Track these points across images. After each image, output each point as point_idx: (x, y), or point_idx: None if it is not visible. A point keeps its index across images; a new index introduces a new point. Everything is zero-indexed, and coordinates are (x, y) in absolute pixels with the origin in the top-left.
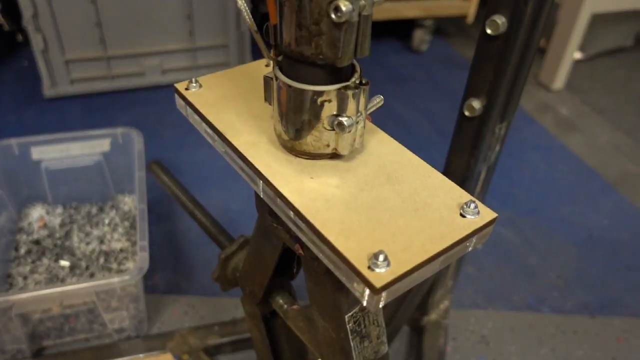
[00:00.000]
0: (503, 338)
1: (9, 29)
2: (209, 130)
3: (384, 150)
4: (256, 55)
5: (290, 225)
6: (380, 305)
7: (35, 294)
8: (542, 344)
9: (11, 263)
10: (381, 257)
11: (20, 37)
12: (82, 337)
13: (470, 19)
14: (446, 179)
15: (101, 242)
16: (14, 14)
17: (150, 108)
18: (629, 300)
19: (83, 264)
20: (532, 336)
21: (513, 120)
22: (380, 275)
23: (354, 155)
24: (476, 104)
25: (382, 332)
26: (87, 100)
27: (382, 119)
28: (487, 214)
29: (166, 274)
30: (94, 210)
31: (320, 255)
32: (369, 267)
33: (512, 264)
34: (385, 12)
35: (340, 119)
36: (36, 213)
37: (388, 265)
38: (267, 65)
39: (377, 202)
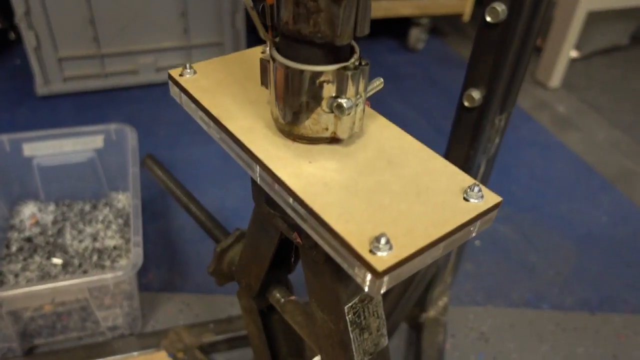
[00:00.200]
0: (503, 335)
1: (1, 26)
2: (203, 116)
3: (384, 135)
4: None
5: (289, 211)
6: (382, 291)
7: (26, 290)
8: (542, 341)
9: (2, 261)
10: (383, 240)
11: (12, 35)
12: (74, 335)
13: (466, 17)
14: (448, 163)
15: (94, 239)
16: (6, 12)
17: (144, 106)
18: (628, 297)
19: (76, 261)
20: (532, 333)
21: (510, 118)
22: (382, 258)
23: (353, 140)
24: (476, 94)
25: (382, 324)
26: (80, 99)
27: None
28: (491, 198)
29: (160, 272)
30: (87, 207)
31: (320, 241)
32: (370, 251)
33: (511, 261)
34: (381, 10)
35: (339, 100)
36: (28, 210)
37: (390, 248)
38: (263, 52)
39: (378, 187)
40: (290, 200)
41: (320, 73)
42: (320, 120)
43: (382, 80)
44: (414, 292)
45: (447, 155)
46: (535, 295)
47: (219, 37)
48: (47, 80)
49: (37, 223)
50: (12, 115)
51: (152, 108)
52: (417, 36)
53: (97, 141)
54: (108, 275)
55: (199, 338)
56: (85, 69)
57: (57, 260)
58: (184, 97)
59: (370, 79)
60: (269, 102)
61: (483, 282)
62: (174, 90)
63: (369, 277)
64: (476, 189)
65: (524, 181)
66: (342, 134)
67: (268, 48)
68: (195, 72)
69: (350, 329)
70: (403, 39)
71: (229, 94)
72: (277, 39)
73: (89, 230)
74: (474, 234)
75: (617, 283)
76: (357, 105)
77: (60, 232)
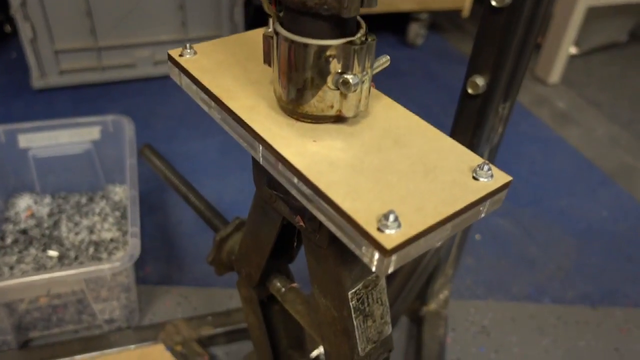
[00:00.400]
0: (504, 329)
1: None
2: (204, 96)
3: (390, 115)
4: None
5: (293, 191)
6: (390, 271)
7: (20, 281)
8: (543, 335)
9: None
10: (391, 218)
11: (8, 28)
12: (70, 328)
13: (466, 12)
14: (456, 143)
15: (91, 232)
16: (1, 3)
17: (141, 100)
18: (629, 291)
19: (72, 254)
20: (533, 327)
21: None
22: (391, 236)
23: (358, 120)
24: (480, 80)
25: (385, 312)
26: (76, 92)
27: None
28: (501, 177)
29: (158, 265)
30: (84, 200)
31: (325, 221)
32: (378, 229)
33: (511, 255)
34: (380, 5)
35: (345, 76)
36: (23, 203)
37: (399, 226)
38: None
39: (385, 165)
40: (295, 179)
41: (325, 47)
42: (325, 98)
43: (388, 57)
44: (416, 283)
45: None
46: (536, 289)
47: (217, 31)
48: (44, 73)
49: (32, 215)
50: (7, 108)
51: (149, 102)
52: (416, 31)
53: (94, 132)
54: (105, 266)
55: (197, 331)
56: (82, 61)
57: (52, 253)
58: (183, 77)
59: None
60: (271, 81)
61: (484, 276)
62: (173, 72)
63: (376, 256)
64: (486, 167)
65: (524, 176)
66: (348, 112)
67: (271, 25)
68: (195, 53)
69: (353, 315)
70: (402, 35)
71: (231, 74)
72: (281, 14)
73: (85, 222)
74: (482, 215)
75: (618, 277)
76: (363, 82)
77: (56, 225)
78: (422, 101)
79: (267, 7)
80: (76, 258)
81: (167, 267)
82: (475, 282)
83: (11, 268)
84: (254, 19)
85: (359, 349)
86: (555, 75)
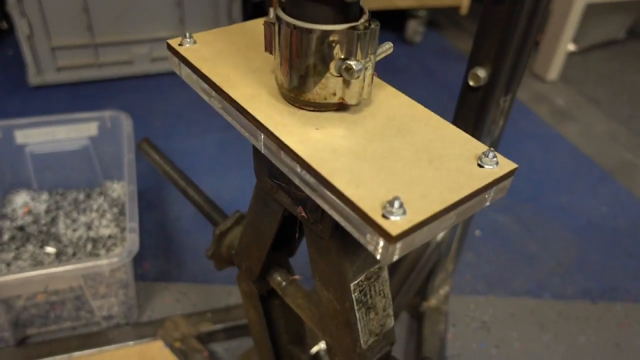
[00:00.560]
0: (504, 324)
1: None
2: (204, 86)
3: (393, 103)
4: None
5: (296, 180)
6: (394, 259)
7: (18, 277)
8: (544, 330)
9: None
10: (396, 204)
11: (5, 25)
12: (68, 325)
13: (464, 10)
14: (461, 131)
15: (89, 228)
16: None
17: (139, 97)
18: (630, 286)
19: (70, 250)
20: (534, 322)
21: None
22: (396, 223)
23: (361, 108)
24: (481, 72)
25: (388, 304)
26: (73, 89)
27: None
28: (507, 165)
29: (156, 262)
30: (81, 196)
31: (328, 210)
32: (383, 216)
33: (511, 251)
34: (378, 2)
35: (348, 62)
36: (20, 199)
37: (404, 213)
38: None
39: (389, 153)
40: (297, 168)
41: (328, 32)
42: (327, 85)
43: (391, 44)
44: (417, 278)
45: None
46: (537, 284)
47: (215, 27)
48: (40, 69)
49: (29, 212)
50: (4, 106)
51: (147, 99)
52: (414, 29)
53: (92, 128)
54: (103, 262)
55: (197, 327)
56: (79, 58)
57: (50, 249)
58: (183, 67)
59: None
60: (273, 70)
61: (484, 271)
62: (172, 61)
63: (381, 243)
64: (491, 154)
65: (523, 172)
66: (351, 99)
67: (272, 13)
68: (195, 42)
69: (356, 307)
70: (401, 32)
71: (231, 63)
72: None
73: (83, 219)
74: (487, 203)
75: (618, 272)
76: (366, 68)
77: (53, 221)
78: (420, 98)
79: None
80: (74, 255)
81: (166, 264)
82: (475, 278)
83: (8, 265)
84: (252, 15)
85: (361, 341)
86: (553, 72)
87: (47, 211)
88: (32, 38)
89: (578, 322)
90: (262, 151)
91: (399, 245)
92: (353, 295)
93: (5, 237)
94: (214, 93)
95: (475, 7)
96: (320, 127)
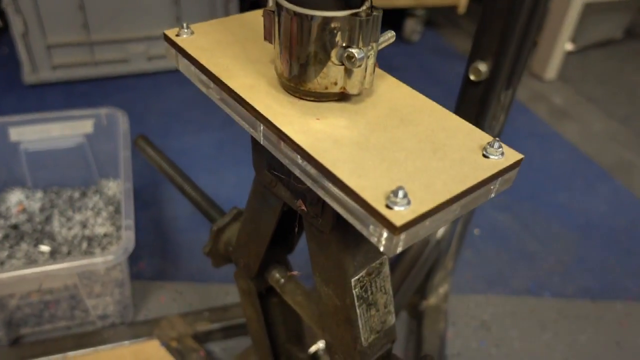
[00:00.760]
0: (504, 323)
1: None
2: (202, 77)
3: (395, 94)
4: None
5: (296, 171)
6: (398, 250)
7: (11, 275)
8: (544, 329)
9: None
10: (400, 194)
11: (0, 24)
12: (62, 324)
13: (462, 9)
14: (464, 121)
15: (84, 226)
16: None
17: (135, 96)
18: (629, 284)
19: (64, 249)
20: (534, 321)
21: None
22: (400, 213)
23: (362, 98)
24: (482, 66)
25: (389, 301)
26: (69, 87)
27: None
28: (512, 155)
29: (153, 260)
30: (77, 194)
31: (330, 201)
32: (386, 206)
33: (510, 250)
34: (376, 1)
35: (350, 50)
36: (15, 197)
37: (408, 203)
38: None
39: (392, 143)
40: (298, 158)
41: (330, 19)
42: (329, 74)
43: (393, 33)
44: (417, 276)
45: None
46: (536, 283)
47: None
48: (35, 67)
49: (24, 210)
50: None
51: (143, 97)
52: (412, 28)
53: (87, 126)
54: (98, 260)
55: (193, 326)
56: (75, 56)
57: (44, 248)
58: (180, 58)
59: None
60: (272, 60)
61: (483, 270)
62: (169, 53)
63: (385, 234)
64: (496, 144)
65: (522, 171)
66: (352, 88)
67: (271, 0)
68: (192, 33)
69: (356, 304)
70: (398, 31)
71: (229, 53)
72: None
73: (78, 217)
74: (493, 195)
75: (618, 271)
76: (368, 57)
77: (48, 220)
78: None
79: None
80: (69, 253)
81: (162, 263)
82: (474, 277)
83: (2, 263)
84: None
85: (362, 338)
86: (551, 71)
87: (42, 209)
88: (27, 36)
89: (578, 321)
90: (262, 142)
91: (403, 236)
92: (354, 291)
93: None
94: (212, 84)
95: (473, 6)
96: (321, 117)
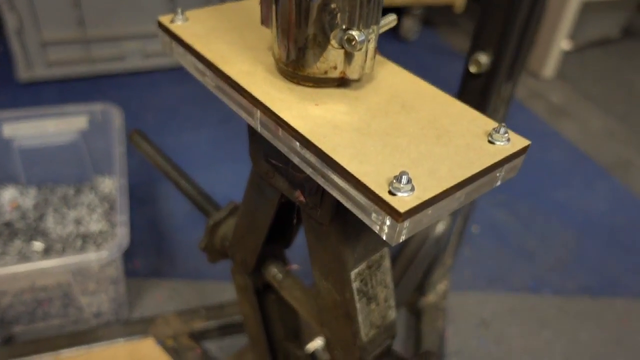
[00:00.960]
0: (504, 320)
1: None
2: (198, 64)
3: (396, 80)
4: None
5: (295, 159)
6: (402, 239)
7: (4, 272)
8: (544, 326)
9: None
10: (404, 179)
11: None
12: (56, 322)
13: (459, 8)
14: (468, 107)
15: (78, 224)
16: None
17: (131, 93)
18: (629, 281)
19: (59, 246)
20: (534, 318)
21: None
22: (404, 199)
23: (362, 84)
24: (483, 58)
25: (390, 295)
26: (64, 85)
27: None
28: (519, 141)
29: (148, 258)
30: (71, 191)
31: (330, 189)
32: (389, 192)
33: (510, 247)
34: None
35: (351, 32)
36: (8, 194)
37: (412, 189)
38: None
39: (393, 129)
40: (297, 145)
41: None
42: (328, 58)
43: (395, 16)
44: (415, 272)
45: None
46: (536, 280)
47: None
48: (30, 64)
49: (17, 207)
50: None
51: (140, 95)
52: (409, 26)
53: (82, 122)
54: (92, 256)
55: (189, 324)
56: (70, 53)
57: (38, 245)
58: (175, 45)
59: None
60: (269, 47)
61: (482, 267)
62: (164, 40)
63: (388, 222)
64: (502, 130)
65: (521, 168)
66: (352, 73)
67: None
68: (187, 19)
69: (356, 298)
70: (395, 29)
71: (225, 40)
72: None
73: (72, 214)
74: (498, 182)
75: (618, 268)
76: (369, 40)
77: (42, 217)
78: None
79: None
80: (63, 250)
81: (158, 260)
82: (474, 274)
83: None
84: None
85: (362, 334)
86: (549, 69)
87: (36, 206)
88: (21, 33)
89: (578, 318)
90: (259, 130)
91: (406, 224)
92: (353, 285)
93: None
94: (207, 71)
95: (470, 5)
96: (320, 103)
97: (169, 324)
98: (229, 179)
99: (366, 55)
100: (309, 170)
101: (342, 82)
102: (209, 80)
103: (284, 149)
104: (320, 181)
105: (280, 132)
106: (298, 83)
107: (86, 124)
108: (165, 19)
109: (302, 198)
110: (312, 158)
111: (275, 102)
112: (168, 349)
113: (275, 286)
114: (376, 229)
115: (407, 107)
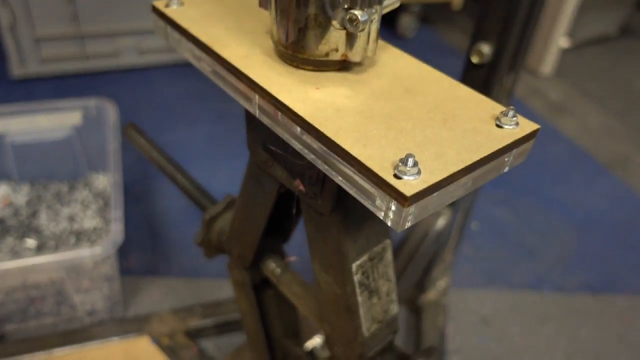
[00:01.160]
0: (505, 318)
1: None
2: (193, 48)
3: (399, 64)
4: None
5: (295, 144)
6: (407, 225)
7: None
8: (545, 324)
9: None
10: (410, 162)
11: None
12: (49, 320)
13: (456, 5)
14: (474, 92)
15: (72, 220)
16: None
17: (126, 90)
18: (630, 278)
19: (52, 243)
20: (535, 316)
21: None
22: (410, 183)
23: (364, 68)
24: (486, 48)
25: (392, 289)
26: (58, 82)
27: None
28: (528, 125)
29: (143, 255)
30: (65, 188)
31: (332, 175)
32: (395, 176)
33: (509, 244)
34: None
35: (353, 11)
36: (0, 191)
37: (418, 173)
38: None
39: (398, 112)
40: (297, 129)
41: None
42: (330, 39)
43: None
44: (415, 268)
45: None
46: (536, 277)
47: None
48: (24, 61)
49: (9, 204)
50: None
51: (134, 92)
52: (407, 23)
53: (75, 117)
54: (86, 253)
55: (185, 322)
56: (64, 49)
57: (31, 242)
58: (170, 30)
59: None
60: (267, 31)
61: (482, 264)
62: (158, 25)
63: (393, 206)
64: (510, 113)
65: (519, 166)
66: (354, 55)
67: None
68: (182, 4)
69: (358, 291)
70: (393, 26)
71: (222, 24)
72: None
73: (66, 211)
74: (506, 168)
75: (619, 265)
76: (372, 20)
77: (35, 214)
78: None
79: None
80: (56, 248)
81: (153, 258)
82: (474, 271)
83: None
84: None
85: (364, 328)
86: (547, 67)
87: (29, 203)
88: (14, 28)
89: (579, 315)
90: (257, 116)
91: (412, 209)
92: (355, 278)
93: None
94: (204, 55)
95: (468, 2)
96: (321, 86)
97: (164, 322)
98: (225, 176)
99: (368, 37)
100: (310, 156)
101: (344, 66)
102: (205, 66)
103: (284, 135)
104: (322, 167)
105: (280, 116)
106: (298, 67)
107: (80, 120)
108: (159, 3)
109: (301, 187)
110: (314, 143)
111: (274, 86)
112: (164, 348)
113: (274, 281)
114: (381, 215)
115: (411, 90)
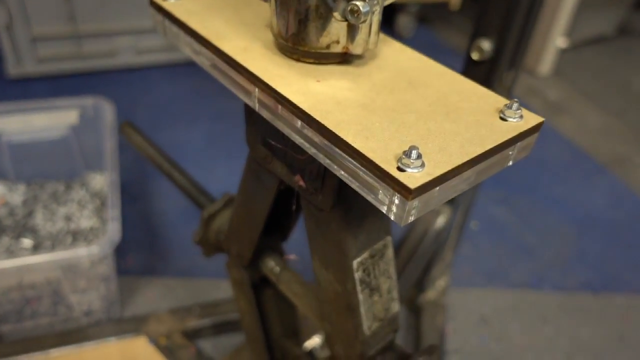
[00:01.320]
0: (505, 317)
1: None
2: (192, 42)
3: (401, 57)
4: None
5: (296, 138)
6: (411, 219)
7: None
8: (545, 323)
9: None
10: (414, 154)
11: None
12: (45, 321)
13: (454, 6)
14: (478, 85)
15: (69, 220)
16: None
17: (123, 90)
18: (631, 277)
19: (48, 243)
20: (535, 315)
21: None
22: (414, 175)
23: (366, 62)
24: (486, 45)
25: (393, 286)
26: (55, 82)
27: None
28: (532, 118)
29: (141, 256)
30: (61, 188)
31: (334, 169)
32: (398, 168)
33: (509, 243)
34: None
35: (354, 2)
36: None
37: (422, 165)
38: None
39: (400, 105)
40: (298, 122)
41: None
42: (331, 31)
43: None
44: (415, 267)
45: None
46: (536, 276)
47: None
48: (20, 60)
49: (5, 204)
50: None
51: (132, 92)
52: (405, 23)
53: (72, 116)
54: (82, 252)
55: (183, 322)
56: (61, 49)
57: (27, 242)
58: (168, 24)
59: None
60: (267, 24)
61: (482, 264)
62: (156, 20)
63: (397, 200)
64: (515, 106)
65: (518, 165)
66: (356, 48)
67: None
68: None
69: (358, 288)
70: (391, 26)
71: (221, 17)
72: None
73: (62, 211)
74: (510, 162)
75: (618, 264)
76: (373, 12)
77: (31, 213)
78: None
79: None
80: (53, 247)
81: (151, 258)
82: (473, 271)
83: None
84: None
85: (364, 327)
86: (545, 66)
87: (25, 203)
88: (11, 28)
89: (580, 314)
90: (257, 109)
91: (416, 203)
92: (355, 275)
93: None
94: (202, 49)
95: (466, 2)
96: (321, 79)
97: (162, 322)
98: (223, 176)
99: (370, 29)
100: (311, 150)
101: (345, 59)
102: (204, 60)
103: (284, 129)
104: (324, 161)
105: (280, 109)
106: (298, 59)
107: (77, 119)
108: None
109: (301, 183)
110: (315, 136)
111: (274, 79)
112: (161, 348)
113: (273, 280)
114: (384, 209)
115: (413, 84)
